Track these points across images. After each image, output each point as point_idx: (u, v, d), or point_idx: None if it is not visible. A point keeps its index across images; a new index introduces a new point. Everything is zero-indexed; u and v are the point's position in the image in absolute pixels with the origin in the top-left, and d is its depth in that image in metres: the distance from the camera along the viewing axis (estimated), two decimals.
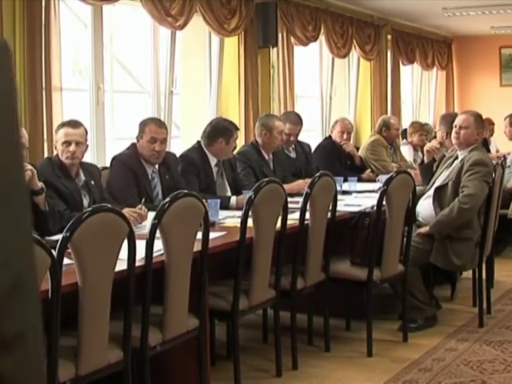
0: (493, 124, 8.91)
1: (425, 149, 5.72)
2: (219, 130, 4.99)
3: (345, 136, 6.78)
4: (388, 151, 7.26)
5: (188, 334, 3.31)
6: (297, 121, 6.21)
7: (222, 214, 4.28)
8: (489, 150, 7.67)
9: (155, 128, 4.47)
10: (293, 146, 6.19)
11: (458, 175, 4.64)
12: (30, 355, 1.05)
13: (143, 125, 4.51)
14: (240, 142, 6.75)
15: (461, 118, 4.82)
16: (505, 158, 6.73)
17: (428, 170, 5.46)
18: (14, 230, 1.00)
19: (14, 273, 1.01)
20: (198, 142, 5.05)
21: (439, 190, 4.72)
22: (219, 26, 6.52)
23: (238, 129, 5.19)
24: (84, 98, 5.69)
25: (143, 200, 4.03)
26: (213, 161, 5.01)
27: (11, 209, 1.00)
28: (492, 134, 9.00)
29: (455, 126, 4.81)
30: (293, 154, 6.15)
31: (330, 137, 6.97)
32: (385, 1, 8.52)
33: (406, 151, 7.80)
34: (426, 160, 5.60)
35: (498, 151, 8.89)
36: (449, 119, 4.77)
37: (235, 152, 5.62)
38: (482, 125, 4.91)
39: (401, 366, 4.04)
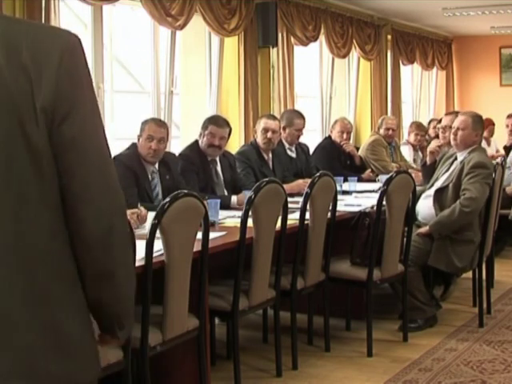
0: (493, 124, 8.90)
1: (428, 150, 5.71)
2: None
3: (344, 136, 6.79)
4: (388, 151, 7.27)
5: (188, 333, 3.31)
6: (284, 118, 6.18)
7: (222, 213, 4.28)
8: None
9: (154, 127, 4.47)
10: (293, 145, 6.19)
11: (459, 177, 4.63)
12: (118, 288, 1.53)
13: (143, 124, 4.52)
14: (240, 141, 6.77)
15: (459, 120, 4.81)
16: (505, 158, 6.73)
17: (430, 171, 5.45)
18: (107, 192, 1.45)
19: (106, 222, 1.44)
20: (196, 141, 5.05)
21: (440, 193, 4.71)
22: (219, 26, 6.52)
23: (217, 125, 4.95)
24: None
25: (139, 205, 4.00)
26: (208, 159, 5.03)
27: (106, 179, 1.45)
28: (492, 135, 8.99)
29: (453, 127, 4.82)
30: (293, 154, 6.16)
31: (329, 137, 6.97)
32: (385, 1, 8.52)
33: (406, 151, 7.80)
34: (428, 161, 5.60)
35: (497, 151, 8.89)
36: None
37: (235, 152, 5.63)
38: (481, 126, 4.88)
39: (401, 365, 4.04)
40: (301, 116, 6.16)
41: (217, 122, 4.99)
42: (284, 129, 6.01)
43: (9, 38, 1.36)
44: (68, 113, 1.38)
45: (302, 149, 6.29)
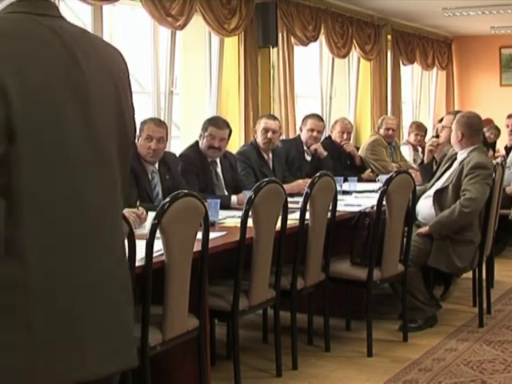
0: (497, 129, 8.86)
1: (426, 148, 5.71)
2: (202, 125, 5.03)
3: (345, 136, 6.77)
4: (388, 151, 7.26)
5: (188, 333, 3.31)
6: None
7: (222, 213, 4.28)
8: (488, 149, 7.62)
9: (153, 126, 4.48)
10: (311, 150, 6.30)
11: (459, 178, 4.63)
12: None
13: (142, 124, 4.52)
14: (240, 141, 6.77)
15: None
16: (505, 158, 6.73)
17: (428, 170, 5.46)
18: None
19: None
20: (197, 141, 5.05)
21: (440, 193, 4.71)
22: (219, 26, 6.53)
23: (217, 126, 4.93)
24: None
25: (138, 203, 3.99)
26: (208, 160, 5.02)
27: None
28: (499, 135, 8.93)
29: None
30: (309, 158, 6.21)
31: (329, 137, 6.96)
32: (385, 1, 8.53)
33: (406, 151, 7.80)
34: (425, 159, 5.60)
35: (498, 151, 8.88)
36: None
37: (235, 152, 5.63)
38: (466, 125, 4.80)
39: (401, 365, 4.04)
40: (315, 116, 6.31)
41: (217, 124, 4.97)
42: (301, 130, 6.25)
43: (104, 46, 1.78)
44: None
45: (318, 157, 6.30)
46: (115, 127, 1.70)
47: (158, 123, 4.58)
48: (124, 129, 1.74)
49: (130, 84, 1.80)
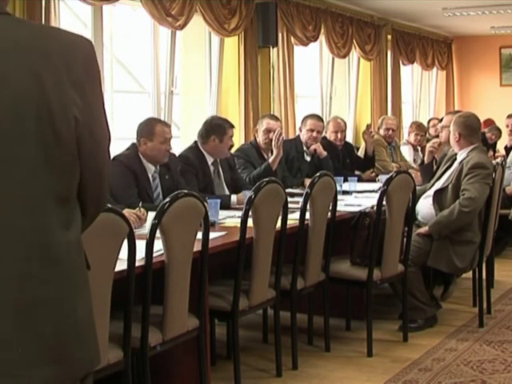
0: (498, 130, 8.85)
1: (427, 149, 5.71)
2: (212, 128, 4.98)
3: (339, 135, 6.64)
4: (388, 151, 7.26)
5: (188, 333, 3.31)
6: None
7: (222, 213, 4.28)
8: (488, 150, 7.62)
9: (164, 128, 4.46)
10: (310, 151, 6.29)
11: (458, 178, 4.63)
12: None
13: (151, 127, 4.40)
14: (240, 141, 6.77)
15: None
16: (505, 158, 6.74)
17: (428, 170, 5.46)
18: None
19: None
20: (195, 142, 5.05)
21: (439, 193, 4.71)
22: (219, 26, 6.53)
23: (232, 126, 5.08)
24: None
25: (140, 204, 3.99)
26: (209, 160, 5.01)
27: None
28: (500, 136, 8.92)
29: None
30: (308, 159, 6.20)
31: (325, 137, 6.93)
32: (385, 1, 8.53)
33: (406, 151, 7.80)
34: (426, 160, 5.60)
35: (498, 151, 8.89)
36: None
37: (234, 149, 5.62)
38: (463, 125, 4.81)
39: (401, 366, 4.04)
40: (314, 116, 6.29)
41: (230, 124, 5.05)
42: (300, 130, 6.24)
43: (39, 41, 1.54)
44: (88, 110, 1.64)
45: (318, 157, 6.28)
46: (32, 121, 1.49)
47: (166, 124, 4.59)
48: (53, 123, 1.51)
49: (87, 76, 1.61)
